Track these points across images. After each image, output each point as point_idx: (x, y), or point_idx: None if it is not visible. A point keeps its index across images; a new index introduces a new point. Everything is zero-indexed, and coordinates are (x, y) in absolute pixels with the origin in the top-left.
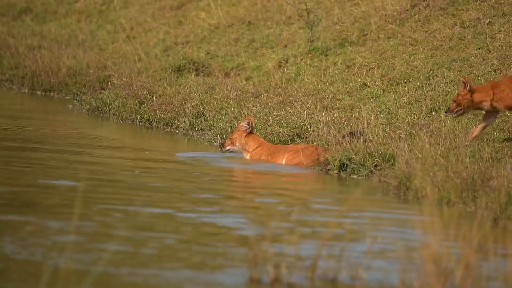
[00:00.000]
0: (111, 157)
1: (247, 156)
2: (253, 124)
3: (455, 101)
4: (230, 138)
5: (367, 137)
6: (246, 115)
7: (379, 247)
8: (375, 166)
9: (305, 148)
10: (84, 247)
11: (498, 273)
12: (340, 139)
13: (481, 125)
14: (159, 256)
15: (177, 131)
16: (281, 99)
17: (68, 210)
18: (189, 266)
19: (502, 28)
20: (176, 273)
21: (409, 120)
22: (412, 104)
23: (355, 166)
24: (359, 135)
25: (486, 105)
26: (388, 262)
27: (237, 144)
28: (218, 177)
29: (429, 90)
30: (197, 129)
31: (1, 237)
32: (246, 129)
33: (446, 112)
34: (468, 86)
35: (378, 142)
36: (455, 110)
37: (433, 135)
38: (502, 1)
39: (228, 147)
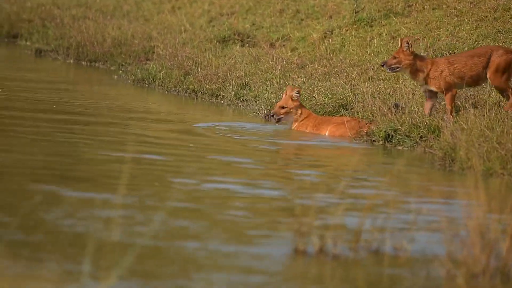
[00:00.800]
0: (158, 129)
1: (294, 126)
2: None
3: (395, 58)
4: (283, 107)
5: (412, 108)
6: (288, 85)
7: (423, 219)
8: (421, 137)
9: (348, 120)
10: (131, 220)
11: None
12: (385, 111)
13: (428, 105)
14: (205, 229)
15: (222, 101)
16: (326, 70)
17: (116, 182)
18: (234, 238)
19: None
20: (222, 246)
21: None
22: None
23: (400, 137)
24: (403, 106)
25: (422, 76)
26: (432, 233)
27: (293, 112)
28: (267, 148)
29: None
30: (243, 100)
31: (49, 208)
32: (297, 98)
33: (382, 65)
34: (412, 48)
35: (423, 113)
36: (392, 66)
37: (478, 106)
38: None
39: (281, 116)
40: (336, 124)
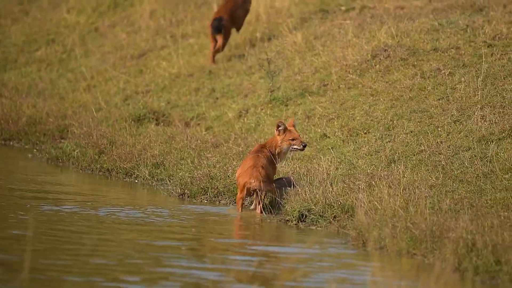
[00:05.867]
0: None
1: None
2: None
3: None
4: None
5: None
6: (206, 165)
7: None
8: (334, 217)
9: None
10: None
11: None
12: (299, 190)
13: None
14: None
15: (136, 181)
16: (240, 149)
17: None
18: None
19: (462, 79)
20: None
21: (368, 171)
22: (371, 155)
23: (314, 217)
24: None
25: None
26: None
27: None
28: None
29: (389, 141)
30: (157, 179)
31: None
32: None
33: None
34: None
35: (337, 193)
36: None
37: (392, 186)
38: (463, 52)
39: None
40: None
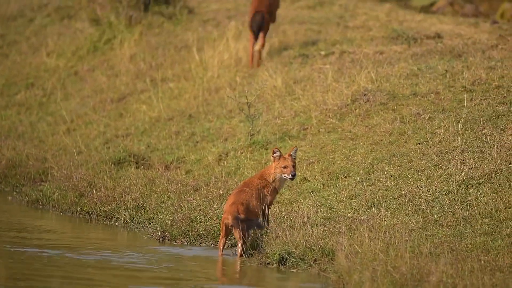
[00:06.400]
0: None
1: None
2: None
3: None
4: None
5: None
6: (186, 208)
7: None
8: (315, 260)
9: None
10: None
11: None
12: (279, 233)
13: None
14: None
15: (117, 223)
16: (221, 192)
17: None
18: None
19: (442, 124)
20: None
21: (349, 214)
22: (352, 199)
23: (294, 260)
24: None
25: None
26: None
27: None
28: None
29: (369, 185)
30: (137, 222)
31: None
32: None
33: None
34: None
35: (318, 236)
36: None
37: (372, 229)
38: (442, 97)
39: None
40: None
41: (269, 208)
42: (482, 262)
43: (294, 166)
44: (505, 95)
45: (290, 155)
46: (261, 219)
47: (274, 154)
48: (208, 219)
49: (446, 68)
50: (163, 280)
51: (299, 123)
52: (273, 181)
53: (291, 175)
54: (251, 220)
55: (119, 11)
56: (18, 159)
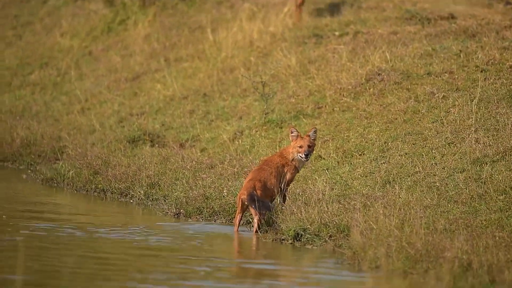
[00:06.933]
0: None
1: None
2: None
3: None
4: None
5: (321, 208)
6: (201, 185)
7: None
8: (330, 236)
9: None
10: None
11: None
12: (294, 210)
13: None
14: None
15: (131, 200)
16: (235, 170)
17: None
18: None
19: (456, 103)
20: None
21: (363, 191)
22: (366, 176)
23: (309, 236)
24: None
25: None
26: None
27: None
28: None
29: (384, 163)
30: (152, 199)
31: None
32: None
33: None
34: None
35: (332, 213)
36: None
37: (387, 206)
38: (456, 76)
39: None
40: None
41: (287, 186)
42: (497, 238)
43: (310, 147)
44: None
45: (309, 135)
46: (277, 197)
47: (292, 134)
48: (223, 196)
49: (460, 48)
50: (176, 256)
51: (314, 102)
52: (292, 159)
53: (304, 154)
54: (263, 201)
55: None
56: (33, 138)
